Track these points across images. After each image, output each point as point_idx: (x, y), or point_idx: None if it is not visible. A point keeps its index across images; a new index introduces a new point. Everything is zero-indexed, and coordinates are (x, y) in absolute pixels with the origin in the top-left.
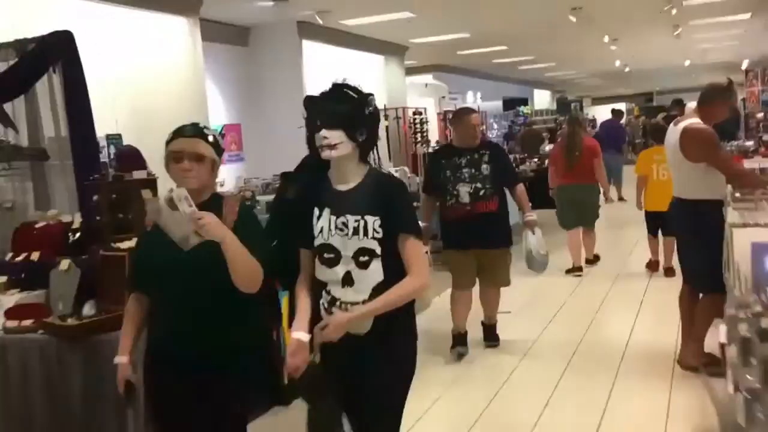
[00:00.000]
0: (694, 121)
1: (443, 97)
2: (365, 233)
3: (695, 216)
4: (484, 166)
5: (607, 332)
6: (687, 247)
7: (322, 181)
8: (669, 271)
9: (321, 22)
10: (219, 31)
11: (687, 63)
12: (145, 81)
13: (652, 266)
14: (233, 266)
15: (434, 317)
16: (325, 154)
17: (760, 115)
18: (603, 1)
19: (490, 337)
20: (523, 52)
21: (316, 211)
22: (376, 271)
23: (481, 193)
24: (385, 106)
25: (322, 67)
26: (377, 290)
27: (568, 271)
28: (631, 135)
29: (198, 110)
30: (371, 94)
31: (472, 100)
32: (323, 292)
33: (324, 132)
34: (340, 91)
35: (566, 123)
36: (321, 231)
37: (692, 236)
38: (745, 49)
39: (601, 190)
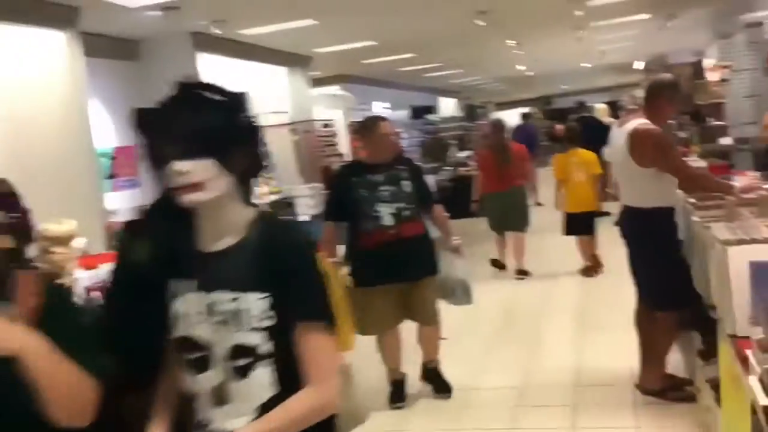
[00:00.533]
0: (642, 121)
1: (350, 108)
2: (245, 322)
3: (648, 226)
4: (405, 182)
5: (554, 357)
6: (640, 262)
7: (180, 238)
8: (596, 264)
9: (218, 32)
10: (105, 45)
11: (586, 65)
12: (19, 102)
13: (590, 270)
14: (45, 392)
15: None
16: (186, 199)
17: None
18: (509, 5)
19: (440, 386)
20: (430, 60)
21: (172, 287)
22: (263, 382)
23: (406, 213)
24: (290, 120)
25: (223, 81)
26: (267, 411)
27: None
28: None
29: (81, 132)
30: (243, 93)
31: (380, 109)
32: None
33: (178, 164)
34: (193, 94)
35: (491, 129)
36: (179, 317)
37: (645, 249)
38: (638, 49)
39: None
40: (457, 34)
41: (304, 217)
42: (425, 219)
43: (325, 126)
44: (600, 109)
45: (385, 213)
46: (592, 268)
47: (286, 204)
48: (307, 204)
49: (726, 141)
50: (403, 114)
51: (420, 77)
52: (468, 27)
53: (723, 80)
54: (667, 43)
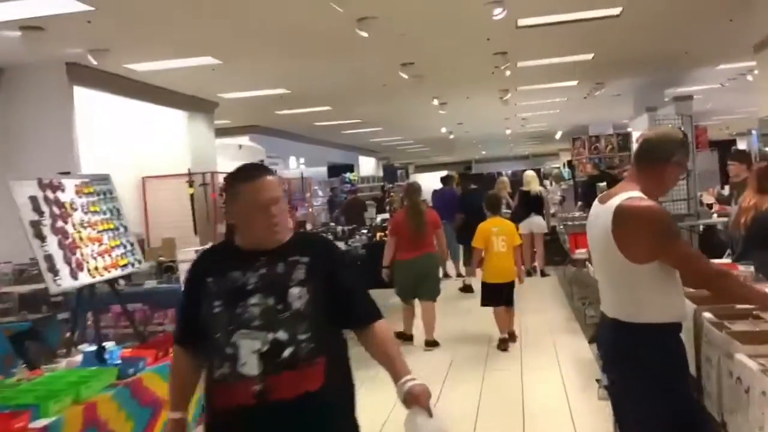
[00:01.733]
0: (633, 195)
1: (261, 160)
2: None
3: (646, 352)
4: (297, 289)
5: None
6: (635, 407)
7: None
8: (512, 336)
9: (95, 63)
10: None
11: (508, 132)
12: None
13: (506, 342)
14: None
15: None
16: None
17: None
18: (434, 58)
19: None
20: (347, 115)
21: None
22: None
23: (288, 352)
24: (189, 170)
25: (111, 120)
26: None
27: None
28: None
29: None
30: None
31: (294, 165)
32: None
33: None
34: None
35: (406, 192)
36: None
37: (641, 383)
38: (560, 119)
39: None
40: (376, 88)
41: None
42: (337, 358)
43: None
44: (528, 176)
45: (247, 350)
46: (508, 340)
47: (167, 268)
48: None
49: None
50: (319, 171)
51: (338, 133)
52: (389, 80)
53: None
54: (588, 115)
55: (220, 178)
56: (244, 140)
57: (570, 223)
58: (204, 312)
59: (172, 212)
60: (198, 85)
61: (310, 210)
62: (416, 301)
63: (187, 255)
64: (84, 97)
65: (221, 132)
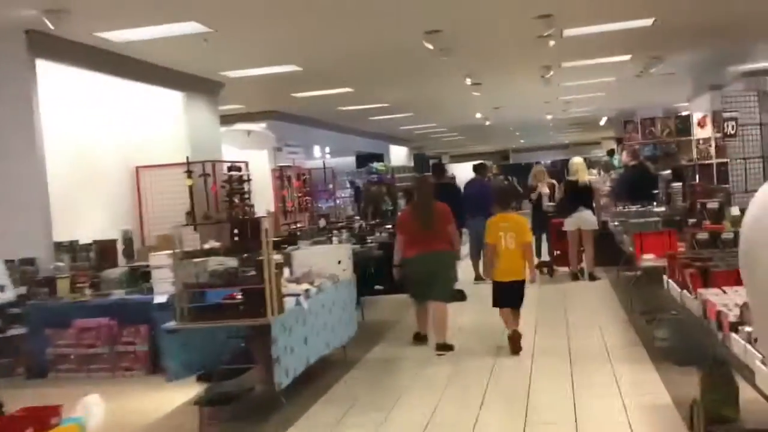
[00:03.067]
0: None
1: (279, 149)
2: None
3: None
4: None
5: None
6: None
7: None
8: (517, 334)
9: (52, 27)
10: None
11: (548, 117)
12: None
13: (515, 343)
14: None
15: None
16: None
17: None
18: (464, 26)
19: None
20: (372, 98)
21: None
22: None
23: None
24: (187, 159)
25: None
26: None
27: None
28: None
29: None
30: None
31: (318, 154)
32: None
33: None
34: None
35: (418, 184)
36: None
37: None
38: (605, 103)
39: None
40: (399, 65)
41: (160, 297)
42: None
43: (233, 168)
44: (576, 163)
45: None
46: (519, 338)
47: (142, 274)
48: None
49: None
50: (347, 161)
51: (365, 120)
52: (414, 54)
53: (728, 135)
54: (637, 98)
55: (225, 168)
56: (260, 127)
57: (629, 220)
58: None
59: (169, 206)
60: (193, 60)
61: (337, 202)
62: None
63: (161, 260)
64: (62, 74)
65: (236, 118)
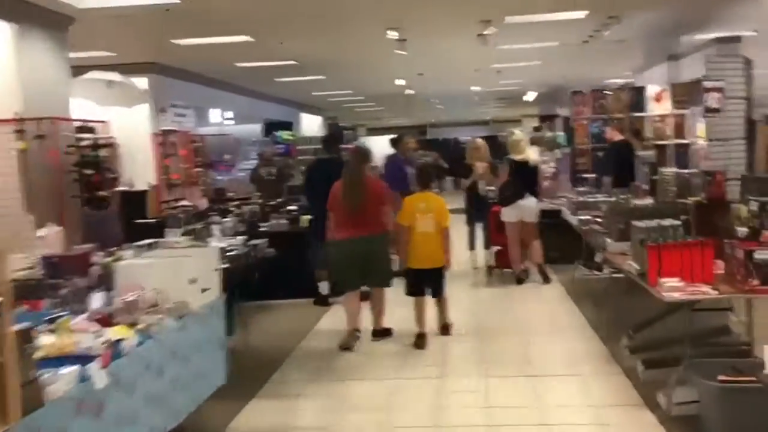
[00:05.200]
0: None
1: (163, 110)
2: None
3: None
4: None
5: None
6: None
7: None
8: (445, 329)
9: None
10: None
11: (476, 89)
12: None
13: (419, 342)
14: None
15: None
16: None
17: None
18: None
19: None
20: (277, 52)
21: None
22: None
23: None
24: (18, 115)
25: None
26: None
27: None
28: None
29: None
30: None
31: (217, 119)
32: None
33: None
34: None
35: (350, 157)
36: None
37: None
38: (539, 74)
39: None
40: (308, 2)
41: None
42: None
43: (84, 129)
44: (518, 138)
45: None
46: (444, 327)
47: None
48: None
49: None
50: (254, 129)
51: (271, 81)
52: None
53: (710, 110)
54: (574, 69)
55: (73, 127)
56: (143, 82)
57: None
58: None
59: None
60: None
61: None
62: None
63: None
64: None
65: (106, 69)
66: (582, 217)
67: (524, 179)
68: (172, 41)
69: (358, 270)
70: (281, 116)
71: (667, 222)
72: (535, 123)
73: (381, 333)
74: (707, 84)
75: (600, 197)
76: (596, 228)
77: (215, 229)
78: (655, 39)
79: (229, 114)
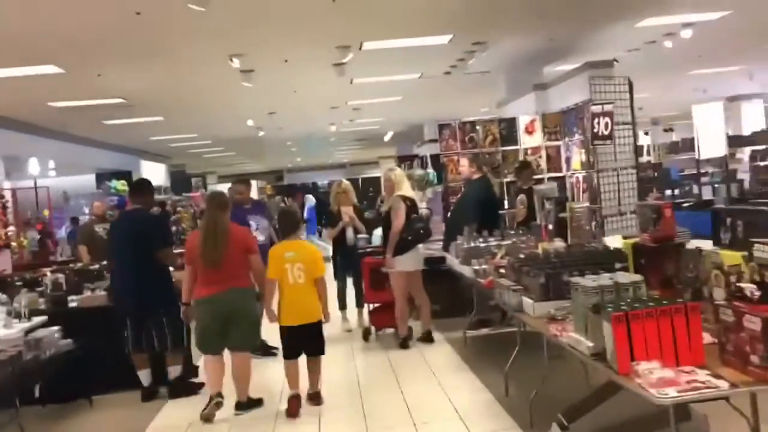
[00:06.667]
0: None
1: None
2: None
3: None
4: None
5: None
6: None
7: None
8: (315, 397)
9: None
10: None
11: (332, 128)
12: None
13: (292, 407)
14: None
15: None
16: None
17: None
18: None
19: None
20: (95, 88)
21: None
22: None
23: None
24: None
25: None
26: None
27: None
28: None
29: None
30: None
31: (36, 170)
32: None
33: None
34: None
35: (206, 204)
36: None
37: None
38: (398, 112)
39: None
40: (129, 23)
41: None
42: None
43: None
44: (398, 175)
45: None
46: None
47: None
48: None
49: None
50: (88, 180)
51: (100, 125)
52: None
53: (599, 137)
54: (434, 106)
55: None
56: None
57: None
58: None
59: None
60: None
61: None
62: None
63: None
64: None
65: None
66: (477, 267)
67: (417, 222)
68: None
69: (218, 329)
70: (117, 165)
71: (623, 277)
72: (392, 164)
73: (246, 405)
74: (595, 109)
75: (493, 241)
76: (503, 282)
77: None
78: (521, 67)
79: (51, 164)
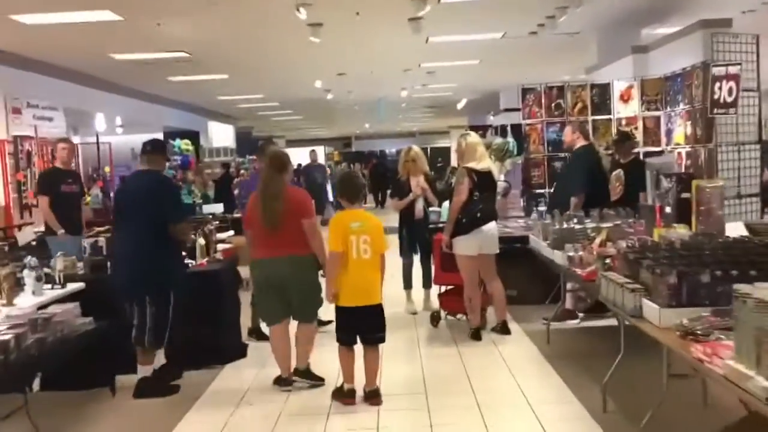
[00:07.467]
0: None
1: (18, 110)
2: None
3: None
4: None
5: None
6: None
7: None
8: (373, 396)
9: None
10: None
11: (404, 93)
12: None
13: (346, 396)
14: None
15: None
16: None
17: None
18: None
19: None
20: (157, 40)
21: None
22: None
23: None
24: None
25: None
26: None
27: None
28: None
29: None
30: None
31: (102, 127)
32: None
33: None
34: None
35: (265, 165)
36: None
37: None
38: (474, 78)
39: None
40: None
41: None
42: None
43: None
44: (473, 142)
45: None
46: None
47: None
48: None
49: None
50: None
51: (163, 81)
52: None
53: (721, 104)
54: (515, 72)
55: None
56: None
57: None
58: None
59: None
60: None
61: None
62: None
63: None
64: None
65: None
66: (572, 254)
67: (488, 197)
68: (12, 17)
69: (275, 296)
70: (185, 124)
71: None
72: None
73: (304, 374)
74: (718, 71)
75: (590, 222)
76: (613, 277)
77: (28, 276)
78: (615, 29)
79: (117, 120)
